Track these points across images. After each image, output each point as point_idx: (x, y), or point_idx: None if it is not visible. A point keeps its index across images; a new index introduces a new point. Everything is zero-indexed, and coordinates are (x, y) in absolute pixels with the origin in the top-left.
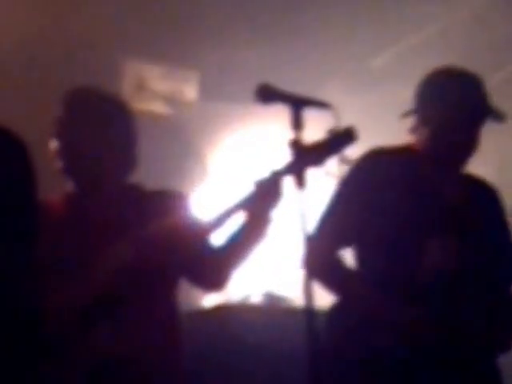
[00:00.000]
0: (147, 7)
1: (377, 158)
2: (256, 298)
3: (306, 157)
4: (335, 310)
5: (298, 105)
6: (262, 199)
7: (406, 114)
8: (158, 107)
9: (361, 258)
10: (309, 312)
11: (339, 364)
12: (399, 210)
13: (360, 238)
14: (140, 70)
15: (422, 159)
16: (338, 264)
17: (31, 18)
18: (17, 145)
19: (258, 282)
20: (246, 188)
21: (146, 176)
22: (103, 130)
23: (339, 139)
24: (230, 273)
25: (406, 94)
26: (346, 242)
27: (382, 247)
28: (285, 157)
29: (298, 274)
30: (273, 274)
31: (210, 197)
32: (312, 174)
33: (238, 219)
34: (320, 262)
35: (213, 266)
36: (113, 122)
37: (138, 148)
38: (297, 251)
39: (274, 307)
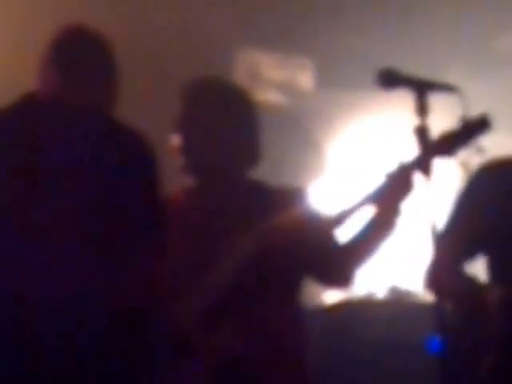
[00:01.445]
0: None
1: (494, 168)
2: (381, 292)
3: (437, 147)
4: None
5: (422, 89)
6: (393, 192)
7: None
8: (273, 96)
9: (496, 264)
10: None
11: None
12: None
13: (490, 246)
14: (254, 59)
15: None
16: (463, 278)
17: (142, 10)
18: (149, 148)
19: (382, 276)
20: (375, 180)
21: (261, 167)
22: (228, 123)
23: (473, 128)
24: (357, 269)
25: None
26: (470, 255)
27: None
28: (410, 144)
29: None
30: (398, 267)
31: (329, 190)
32: (444, 164)
33: (364, 213)
34: (444, 281)
35: (340, 262)
36: (237, 114)
37: (261, 140)
38: (423, 244)
39: (399, 302)
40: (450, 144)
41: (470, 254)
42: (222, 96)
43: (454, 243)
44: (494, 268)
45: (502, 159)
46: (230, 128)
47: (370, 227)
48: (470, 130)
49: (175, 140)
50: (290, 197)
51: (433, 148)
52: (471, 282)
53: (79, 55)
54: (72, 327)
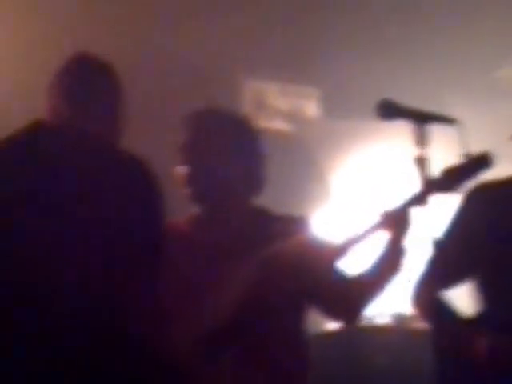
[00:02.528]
0: (264, 25)
1: (484, 191)
2: (384, 318)
3: (439, 183)
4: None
5: (421, 120)
6: (392, 229)
7: None
8: (278, 125)
9: (483, 294)
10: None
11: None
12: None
13: (475, 274)
14: (260, 88)
15: None
16: (443, 306)
17: (149, 38)
18: (152, 177)
19: (386, 302)
20: (374, 214)
21: (266, 195)
22: (232, 151)
23: (474, 165)
24: (362, 306)
25: None
26: (456, 281)
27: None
28: (410, 174)
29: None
30: (402, 293)
31: (333, 218)
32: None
33: (367, 244)
34: (426, 303)
35: (344, 296)
36: (242, 143)
37: (265, 168)
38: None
39: (403, 328)
40: (451, 180)
41: (459, 276)
42: (226, 125)
43: (442, 265)
44: (483, 290)
45: (496, 181)
46: (234, 156)
47: (375, 265)
48: (472, 166)
49: (180, 169)
50: (294, 225)
51: (434, 184)
52: (452, 314)
53: (86, 83)
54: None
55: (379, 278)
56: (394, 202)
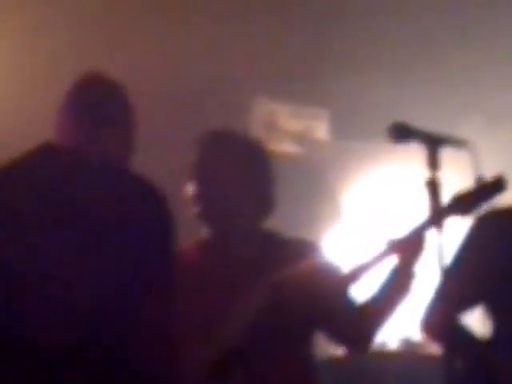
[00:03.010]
0: (274, 45)
1: (496, 218)
2: (393, 344)
3: (452, 207)
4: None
5: (433, 143)
6: (405, 254)
7: None
8: (289, 146)
9: (495, 319)
10: (448, 359)
11: None
12: None
13: (486, 299)
14: (270, 109)
15: None
16: (458, 329)
17: (159, 60)
18: (163, 202)
19: (395, 327)
20: (385, 239)
21: (276, 216)
22: (243, 172)
23: (488, 189)
24: (374, 332)
25: None
26: (467, 306)
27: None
28: (422, 197)
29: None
30: (411, 318)
31: (344, 240)
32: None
33: (379, 270)
34: (439, 327)
35: (356, 323)
36: (254, 164)
37: (276, 191)
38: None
39: (411, 354)
40: (465, 204)
41: (470, 301)
42: (238, 146)
43: (453, 290)
44: (495, 316)
45: (508, 207)
46: (244, 178)
47: (385, 290)
48: (486, 191)
49: (190, 188)
50: (305, 249)
51: (448, 208)
52: (471, 338)
53: (97, 105)
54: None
55: (389, 302)
56: (407, 226)
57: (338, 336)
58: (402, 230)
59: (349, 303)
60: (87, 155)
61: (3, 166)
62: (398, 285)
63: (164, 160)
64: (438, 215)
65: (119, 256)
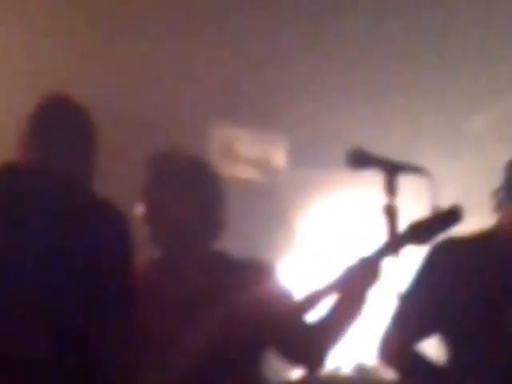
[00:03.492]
0: (233, 71)
1: (452, 246)
2: (346, 369)
3: (408, 236)
4: None
5: (391, 170)
6: (360, 281)
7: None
8: (246, 172)
9: (450, 348)
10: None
11: None
12: (479, 300)
13: (443, 329)
14: (228, 134)
15: (504, 245)
16: (414, 357)
17: (119, 83)
18: (124, 221)
19: (348, 352)
20: (341, 268)
21: (232, 241)
22: (193, 194)
23: (444, 219)
24: (325, 353)
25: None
26: (424, 333)
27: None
28: (379, 223)
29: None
30: (363, 344)
31: (298, 266)
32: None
33: (331, 298)
34: (396, 354)
35: (307, 345)
36: (202, 186)
37: (225, 212)
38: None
39: (365, 379)
40: (421, 233)
41: (425, 330)
42: (184, 167)
43: (409, 317)
44: (451, 343)
45: (463, 237)
46: (191, 201)
47: (335, 313)
48: (442, 220)
49: (140, 209)
50: (259, 271)
51: (404, 236)
52: (428, 365)
53: (59, 126)
54: None
55: (339, 325)
56: (363, 253)
57: (291, 357)
58: (358, 257)
59: (300, 325)
60: (49, 175)
61: None
62: (348, 309)
63: (123, 181)
64: (394, 243)
65: (78, 274)
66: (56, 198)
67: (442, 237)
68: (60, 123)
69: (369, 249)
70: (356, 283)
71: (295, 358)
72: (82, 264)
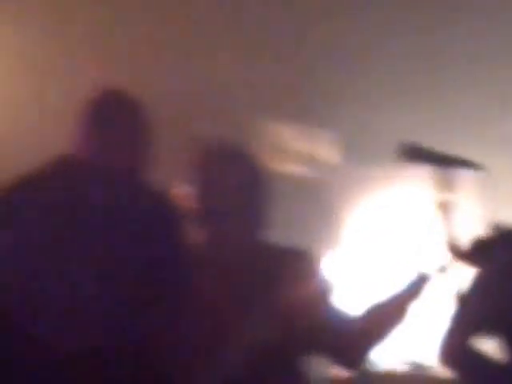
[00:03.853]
0: (284, 67)
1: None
2: (401, 367)
3: (468, 256)
4: None
5: (446, 165)
6: (411, 295)
7: None
8: (296, 169)
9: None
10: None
11: None
12: None
13: (503, 329)
14: (278, 131)
15: None
16: (474, 357)
17: (169, 76)
18: (176, 211)
19: (403, 350)
20: (395, 285)
21: (279, 236)
22: (242, 182)
23: (505, 240)
24: (364, 353)
25: None
26: (483, 333)
27: None
28: (431, 221)
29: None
30: (420, 341)
31: (343, 264)
32: None
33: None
34: (456, 355)
35: (348, 342)
36: (250, 175)
37: (271, 206)
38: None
39: (418, 376)
40: (480, 255)
41: (485, 330)
42: (238, 157)
43: (468, 318)
44: (509, 346)
45: None
46: (240, 189)
47: (377, 315)
48: (503, 242)
49: (185, 194)
50: (304, 261)
51: (462, 255)
52: (488, 364)
53: (114, 118)
54: None
55: (381, 326)
56: (421, 268)
57: (332, 355)
58: (417, 273)
59: (344, 323)
60: (104, 166)
61: (20, 177)
62: (390, 316)
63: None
64: (451, 261)
65: (132, 263)
66: (112, 191)
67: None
68: (113, 114)
69: (421, 251)
70: (406, 295)
71: (335, 353)
72: (135, 249)
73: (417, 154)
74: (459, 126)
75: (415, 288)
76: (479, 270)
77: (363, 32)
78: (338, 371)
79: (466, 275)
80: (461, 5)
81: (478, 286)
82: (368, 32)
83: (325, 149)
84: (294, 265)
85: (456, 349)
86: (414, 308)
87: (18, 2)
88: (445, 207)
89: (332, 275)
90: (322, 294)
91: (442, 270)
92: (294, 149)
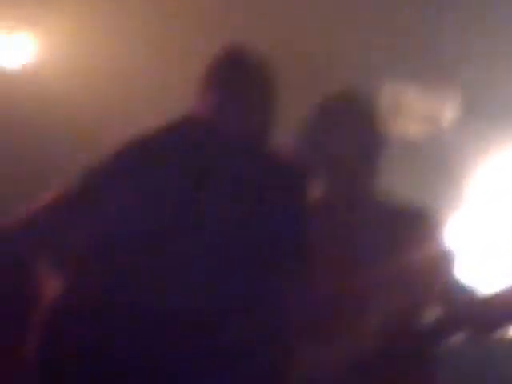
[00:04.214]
0: (405, 26)
1: None
2: None
3: None
4: None
5: None
6: None
7: None
8: (416, 127)
9: None
10: None
11: None
12: None
13: None
14: (397, 89)
15: None
16: None
17: (290, 38)
18: (303, 179)
19: None
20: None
21: (402, 199)
22: (354, 133)
23: None
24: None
25: None
26: None
27: None
28: None
29: None
30: None
31: (466, 227)
32: None
33: None
34: None
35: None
36: (363, 126)
37: (384, 156)
38: None
39: None
40: None
41: None
42: (351, 108)
43: None
44: None
45: None
46: (352, 139)
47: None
48: None
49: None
50: (422, 221)
51: None
52: None
53: (239, 78)
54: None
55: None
56: None
57: None
58: None
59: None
60: (227, 127)
61: (144, 135)
62: None
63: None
64: None
65: (253, 229)
66: (234, 153)
67: None
68: (238, 73)
69: None
70: None
71: None
72: (257, 216)
73: None
74: None
75: None
76: None
77: None
78: None
79: None
80: None
81: None
82: None
83: (446, 108)
84: (418, 227)
85: None
86: None
87: None
88: None
89: (456, 240)
90: (446, 262)
91: None
92: (415, 109)
